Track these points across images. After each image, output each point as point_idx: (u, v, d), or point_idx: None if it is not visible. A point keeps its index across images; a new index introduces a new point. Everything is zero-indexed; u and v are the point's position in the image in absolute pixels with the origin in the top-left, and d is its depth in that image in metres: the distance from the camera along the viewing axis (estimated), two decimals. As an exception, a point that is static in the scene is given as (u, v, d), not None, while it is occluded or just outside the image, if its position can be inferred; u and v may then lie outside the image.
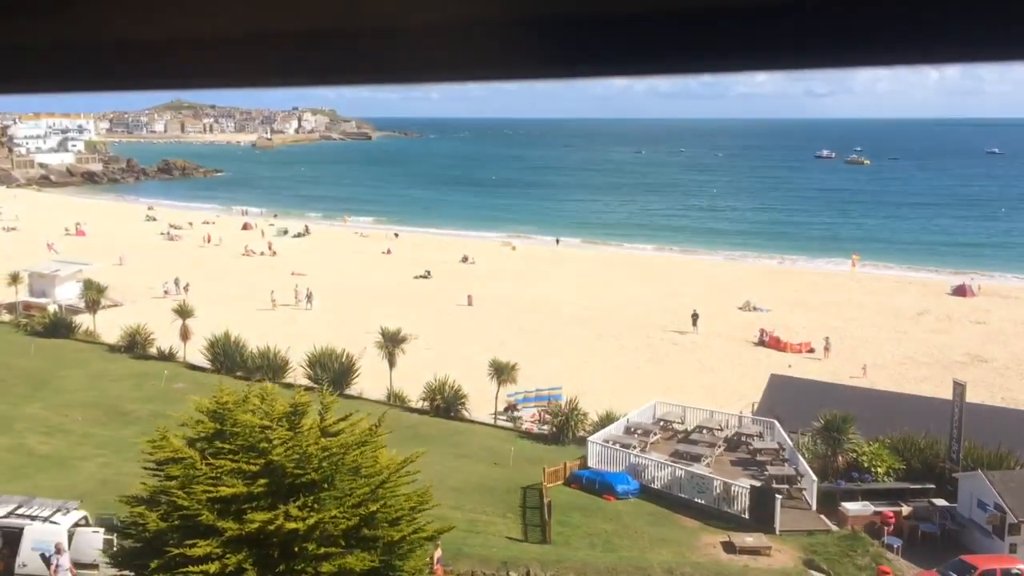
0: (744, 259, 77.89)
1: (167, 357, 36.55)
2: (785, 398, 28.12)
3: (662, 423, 27.83)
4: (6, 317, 44.93)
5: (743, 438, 26.09)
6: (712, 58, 0.66)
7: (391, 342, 32.39)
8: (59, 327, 40.06)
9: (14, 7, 0.81)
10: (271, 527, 11.70)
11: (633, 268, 69.46)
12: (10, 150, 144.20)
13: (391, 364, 32.42)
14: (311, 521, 11.69)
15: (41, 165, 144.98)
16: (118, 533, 13.22)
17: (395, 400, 31.57)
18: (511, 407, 32.20)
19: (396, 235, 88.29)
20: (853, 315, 51.67)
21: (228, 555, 11.59)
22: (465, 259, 71.56)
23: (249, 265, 67.61)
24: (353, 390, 32.80)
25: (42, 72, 0.88)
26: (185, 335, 36.35)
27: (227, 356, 34.57)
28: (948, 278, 64.63)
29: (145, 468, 13.30)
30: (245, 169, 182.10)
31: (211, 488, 11.95)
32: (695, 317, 45.81)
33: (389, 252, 75.72)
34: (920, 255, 76.85)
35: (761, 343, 43.67)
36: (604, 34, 0.66)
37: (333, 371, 32.23)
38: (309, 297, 50.00)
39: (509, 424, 31.14)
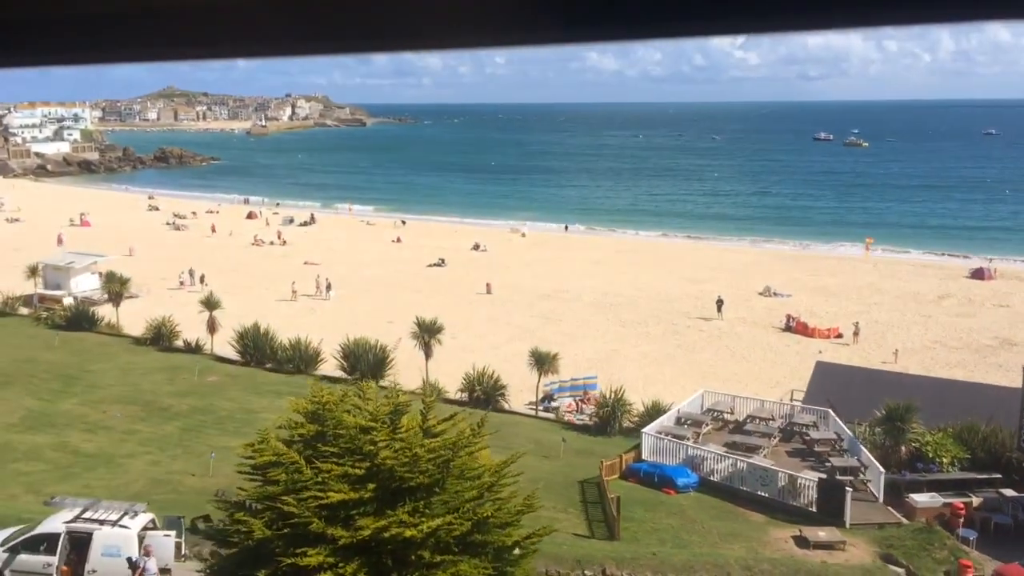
0: (754, 244, 77.46)
1: (194, 349, 35.95)
2: (833, 386, 27.74)
3: (712, 413, 27.42)
4: (24, 310, 44.18)
5: (797, 428, 25.72)
6: (702, 20, 0.63)
7: (427, 332, 31.84)
8: (81, 320, 39.38)
9: None
10: (385, 534, 11.23)
11: (645, 254, 69.03)
12: (6, 140, 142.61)
13: (427, 355, 31.87)
14: (427, 527, 11.22)
15: (37, 155, 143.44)
16: (217, 541, 12.70)
17: (432, 391, 31.02)
18: (547, 396, 31.78)
19: (403, 223, 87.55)
20: (875, 300, 51.37)
21: (341, 564, 11.13)
22: (476, 247, 70.96)
23: (260, 255, 66.89)
24: (385, 381, 32.30)
25: (14, 46, 0.86)
26: (212, 327, 35.73)
27: (257, 348, 34.00)
28: (963, 261, 64.42)
29: (241, 472, 12.79)
30: (241, 157, 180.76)
31: (320, 494, 11.46)
32: (719, 303, 45.42)
33: (399, 240, 75.03)
34: (931, 238, 76.52)
35: (788, 329, 43.31)
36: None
37: (368, 362, 31.67)
38: (328, 287, 49.37)
39: (550, 415, 30.71)
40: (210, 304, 36.21)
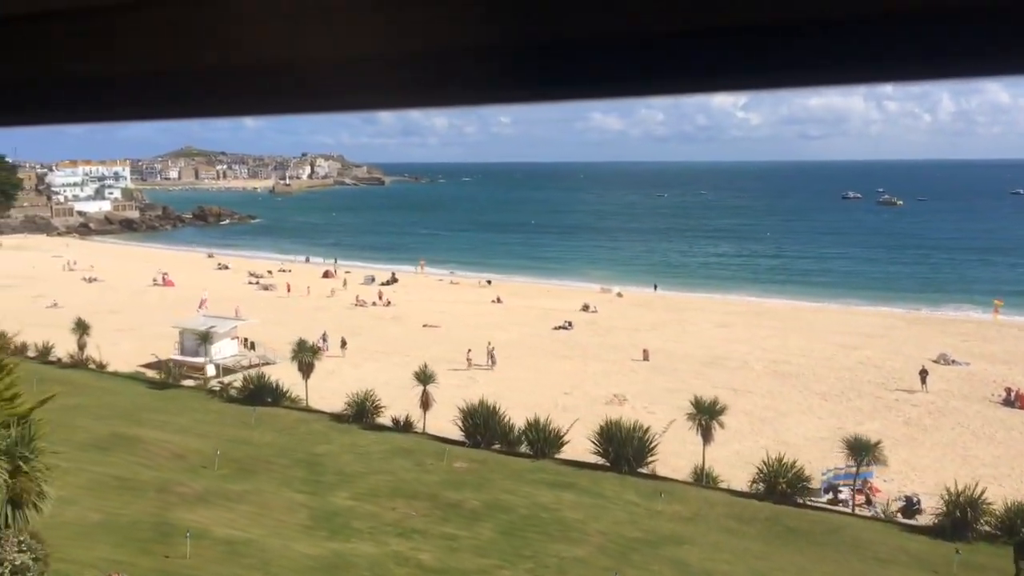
0: (862, 307, 74.56)
1: (404, 427, 32.64)
2: None
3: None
4: (188, 382, 40.97)
5: None
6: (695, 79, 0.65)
7: (705, 413, 28.60)
8: (262, 393, 36.09)
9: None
10: None
11: (765, 317, 66.23)
12: (49, 198, 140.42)
13: (705, 439, 28.57)
14: None
15: (80, 213, 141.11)
16: None
17: (709, 482, 27.79)
18: (831, 487, 28.40)
19: (488, 282, 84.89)
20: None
21: None
22: (586, 307, 68.15)
23: (369, 316, 63.83)
24: (646, 468, 29.08)
25: (26, 105, 0.90)
26: (426, 404, 32.45)
27: (487, 428, 30.71)
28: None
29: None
30: (276, 215, 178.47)
31: None
32: (924, 374, 42.37)
33: (500, 301, 72.15)
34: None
35: (1009, 403, 40.23)
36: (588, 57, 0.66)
37: (631, 447, 28.37)
38: (492, 355, 46.10)
39: (842, 509, 27.29)
40: (424, 378, 32.92)
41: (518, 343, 54.43)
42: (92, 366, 42.47)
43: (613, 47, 0.65)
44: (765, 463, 27.38)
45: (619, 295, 77.69)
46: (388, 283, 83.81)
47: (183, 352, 46.57)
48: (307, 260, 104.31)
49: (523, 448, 30.48)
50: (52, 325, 56.23)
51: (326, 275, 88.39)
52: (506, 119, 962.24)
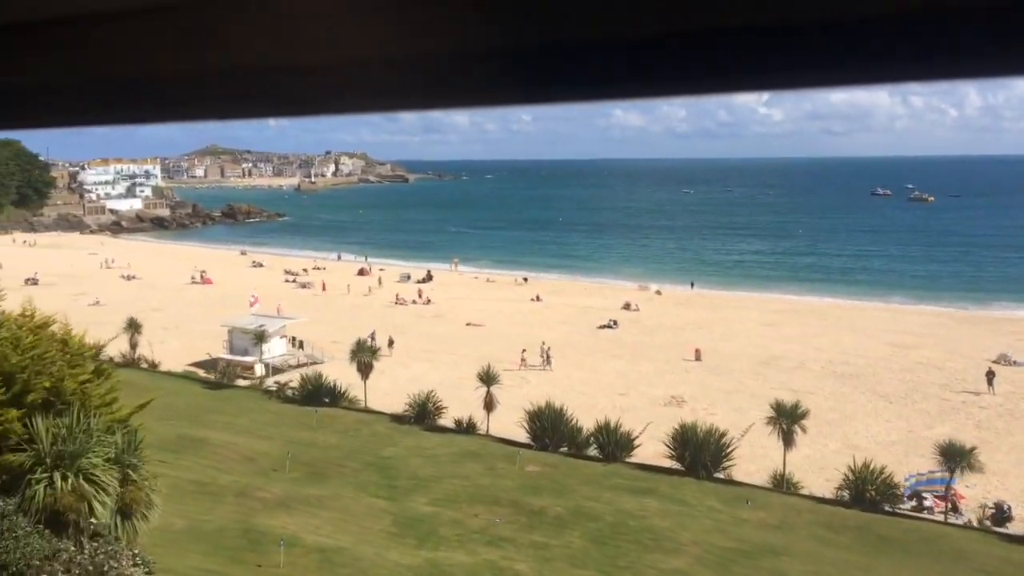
0: (907, 305, 73.14)
1: (466, 429, 32.06)
2: None
3: None
4: (242, 382, 40.64)
5: None
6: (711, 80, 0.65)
7: (788, 417, 27.78)
8: (320, 393, 35.63)
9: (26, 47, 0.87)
10: None
11: (810, 315, 65.10)
12: (81, 196, 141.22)
13: (787, 444, 27.76)
14: None
15: (111, 211, 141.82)
16: None
17: (789, 488, 26.98)
18: (916, 495, 27.49)
19: (525, 280, 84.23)
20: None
21: None
22: (627, 306, 67.33)
23: (411, 315, 63.35)
24: (721, 474, 28.30)
25: (44, 108, 0.95)
26: (490, 405, 31.85)
27: (555, 430, 30.05)
28: None
29: None
30: (304, 213, 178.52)
31: None
32: (991, 375, 41.26)
33: (539, 299, 71.46)
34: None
35: (1083, 406, 39.07)
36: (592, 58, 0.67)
37: (707, 451, 27.62)
38: (547, 355, 45.38)
39: (935, 517, 26.37)
40: (488, 379, 32.31)
41: (564, 342, 53.72)
42: (144, 365, 42.20)
43: (613, 48, 0.65)
44: (852, 469, 26.48)
45: (658, 293, 76.84)
46: (423, 281, 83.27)
47: (232, 351, 46.29)
48: (339, 258, 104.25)
49: (591, 451, 29.78)
50: (96, 323, 55.61)
51: (361, 273, 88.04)
52: (527, 117, 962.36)
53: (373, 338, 50.00)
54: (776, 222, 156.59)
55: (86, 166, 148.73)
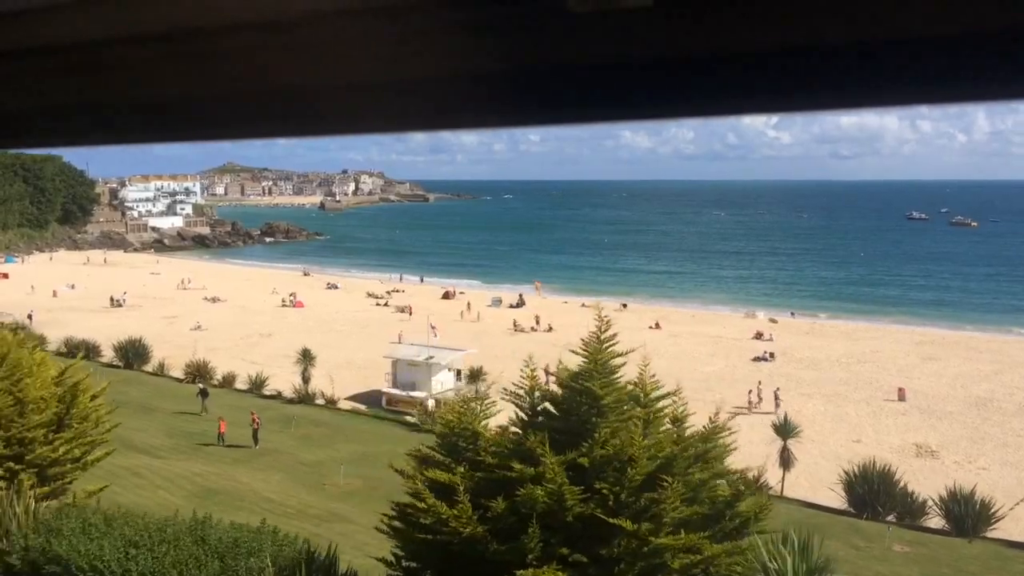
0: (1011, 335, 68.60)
1: (756, 488, 27.46)
2: None
3: None
4: (409, 419, 35.95)
5: None
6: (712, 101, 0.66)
7: None
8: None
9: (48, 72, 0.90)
10: None
11: (948, 347, 60.57)
12: (123, 214, 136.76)
13: None
14: None
15: (153, 228, 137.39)
16: None
17: None
18: None
19: (624, 306, 79.77)
20: None
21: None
22: (759, 335, 63.17)
23: (545, 344, 58.28)
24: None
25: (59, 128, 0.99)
26: (787, 461, 27.32)
27: (885, 494, 25.48)
28: None
29: None
30: (340, 232, 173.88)
31: None
32: None
33: (658, 327, 67.11)
34: None
35: None
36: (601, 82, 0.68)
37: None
38: (776, 396, 40.65)
39: None
40: (783, 430, 27.78)
41: (731, 376, 49.39)
42: (320, 401, 37.59)
43: (615, 72, 0.66)
44: None
45: (773, 321, 72.47)
46: (517, 306, 78.98)
47: (396, 384, 41.73)
48: (401, 279, 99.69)
49: (930, 521, 25.22)
50: (212, 350, 51.69)
51: (446, 296, 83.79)
52: (535, 137, 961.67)
53: (546, 372, 45.52)
54: (829, 246, 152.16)
55: (127, 182, 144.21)
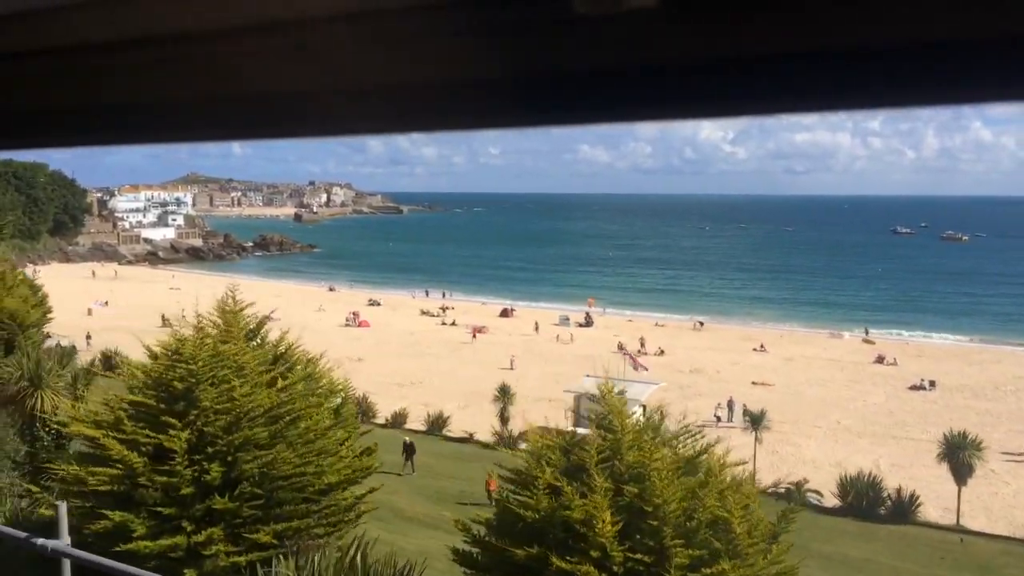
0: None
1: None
2: None
3: None
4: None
5: None
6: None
7: None
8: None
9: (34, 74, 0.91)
10: None
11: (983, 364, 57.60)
12: (114, 224, 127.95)
13: None
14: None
15: (146, 240, 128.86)
16: None
17: None
18: None
19: (701, 324, 75.44)
20: None
21: None
22: (881, 359, 59.35)
23: (664, 369, 53.44)
24: None
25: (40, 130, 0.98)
26: None
27: None
28: None
29: None
30: (331, 245, 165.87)
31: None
32: None
33: (763, 349, 62.54)
34: None
35: None
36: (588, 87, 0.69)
37: None
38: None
39: None
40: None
41: (909, 410, 44.93)
42: (524, 444, 31.71)
43: (614, 77, 0.67)
44: None
45: (867, 342, 68.46)
46: (585, 325, 73.94)
47: (578, 422, 36.00)
48: (427, 294, 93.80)
49: None
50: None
51: (504, 314, 78.31)
52: (495, 150, 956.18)
53: (730, 407, 40.48)
54: (837, 263, 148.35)
55: (116, 192, 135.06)
